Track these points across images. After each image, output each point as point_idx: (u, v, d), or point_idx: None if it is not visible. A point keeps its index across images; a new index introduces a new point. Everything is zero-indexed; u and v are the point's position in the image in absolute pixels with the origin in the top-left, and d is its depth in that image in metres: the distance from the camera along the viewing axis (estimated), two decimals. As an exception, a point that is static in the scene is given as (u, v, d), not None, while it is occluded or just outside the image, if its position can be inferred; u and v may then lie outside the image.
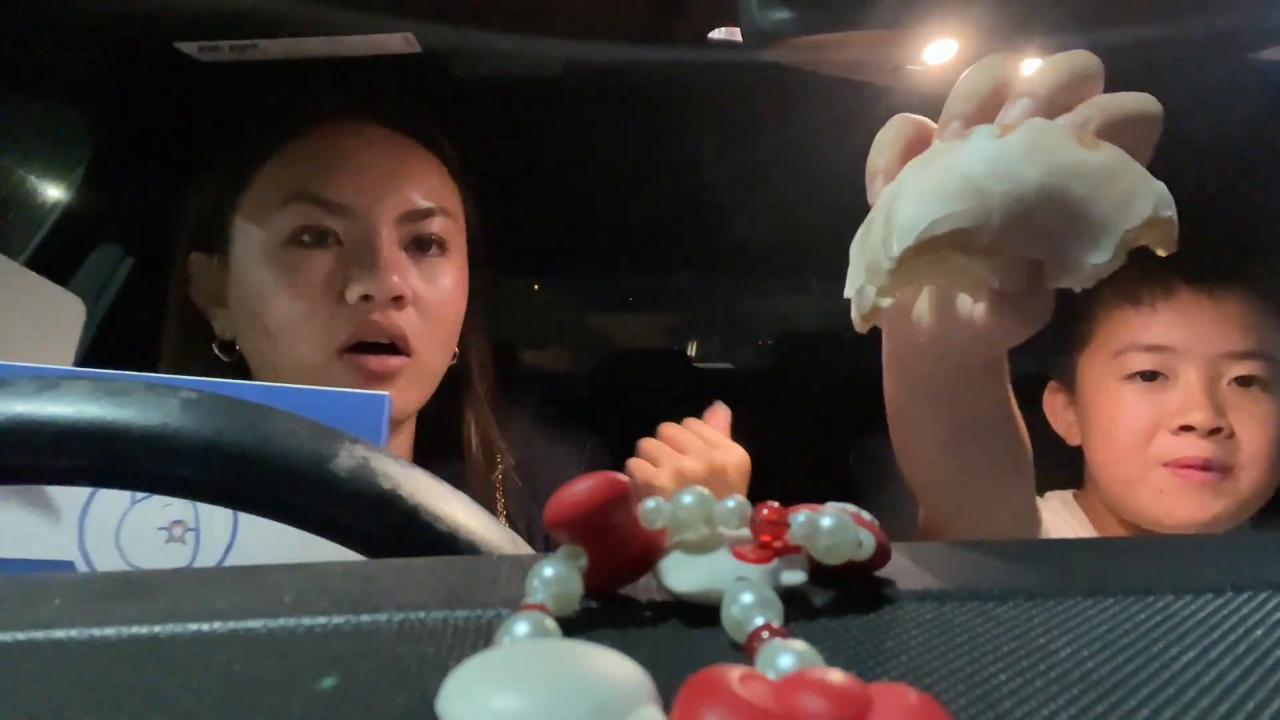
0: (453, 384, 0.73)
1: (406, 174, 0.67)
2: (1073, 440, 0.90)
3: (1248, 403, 0.76)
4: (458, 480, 0.78)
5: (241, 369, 0.67)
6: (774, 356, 2.56)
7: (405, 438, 0.74)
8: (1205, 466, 0.75)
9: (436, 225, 0.68)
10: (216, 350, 0.67)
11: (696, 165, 1.23)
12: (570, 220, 1.62)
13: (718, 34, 0.80)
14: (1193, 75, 0.88)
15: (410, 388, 0.66)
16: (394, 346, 0.64)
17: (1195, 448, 0.75)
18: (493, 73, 0.88)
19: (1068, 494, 0.93)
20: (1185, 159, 1.11)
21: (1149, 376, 0.79)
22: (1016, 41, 0.77)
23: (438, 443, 0.75)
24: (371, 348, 0.64)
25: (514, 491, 0.79)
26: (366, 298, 0.62)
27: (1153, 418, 0.78)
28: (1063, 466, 0.95)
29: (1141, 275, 0.82)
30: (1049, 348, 0.95)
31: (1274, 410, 0.77)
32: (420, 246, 0.67)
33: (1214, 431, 0.75)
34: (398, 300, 0.63)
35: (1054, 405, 0.92)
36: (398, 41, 0.79)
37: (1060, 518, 0.89)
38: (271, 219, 0.64)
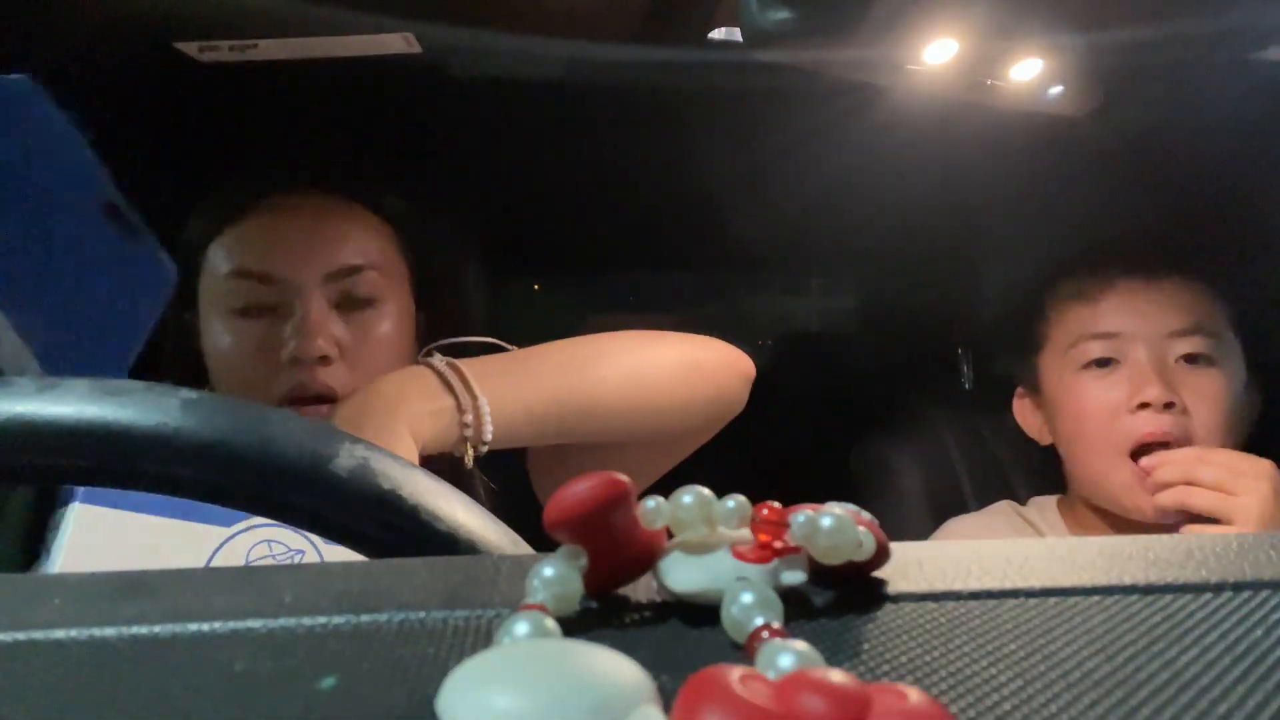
0: None
1: (334, 237, 0.73)
2: (1044, 440, 0.94)
3: (1196, 379, 0.81)
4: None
5: None
6: (774, 356, 2.56)
7: None
8: (1165, 442, 0.79)
9: (366, 281, 0.74)
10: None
11: (696, 165, 1.23)
12: (570, 220, 1.62)
13: (718, 34, 0.80)
14: (1193, 75, 0.88)
15: None
16: (324, 398, 0.71)
17: (1154, 423, 0.80)
18: (493, 73, 0.88)
19: (1051, 500, 0.95)
20: (1184, 158, 1.11)
21: (1103, 363, 0.84)
22: (1016, 41, 0.77)
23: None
24: (306, 399, 0.71)
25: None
26: (295, 360, 0.70)
27: (1111, 401, 0.83)
28: (1041, 474, 0.96)
29: (1083, 272, 0.88)
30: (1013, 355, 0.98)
31: (1222, 385, 0.82)
32: (351, 303, 0.73)
33: (1168, 406, 0.80)
34: (324, 360, 0.70)
35: (1023, 410, 0.96)
36: (398, 41, 0.79)
37: (1030, 527, 0.91)
38: (223, 290, 0.72)
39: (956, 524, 0.96)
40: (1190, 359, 0.82)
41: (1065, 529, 0.92)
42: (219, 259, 0.73)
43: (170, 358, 0.78)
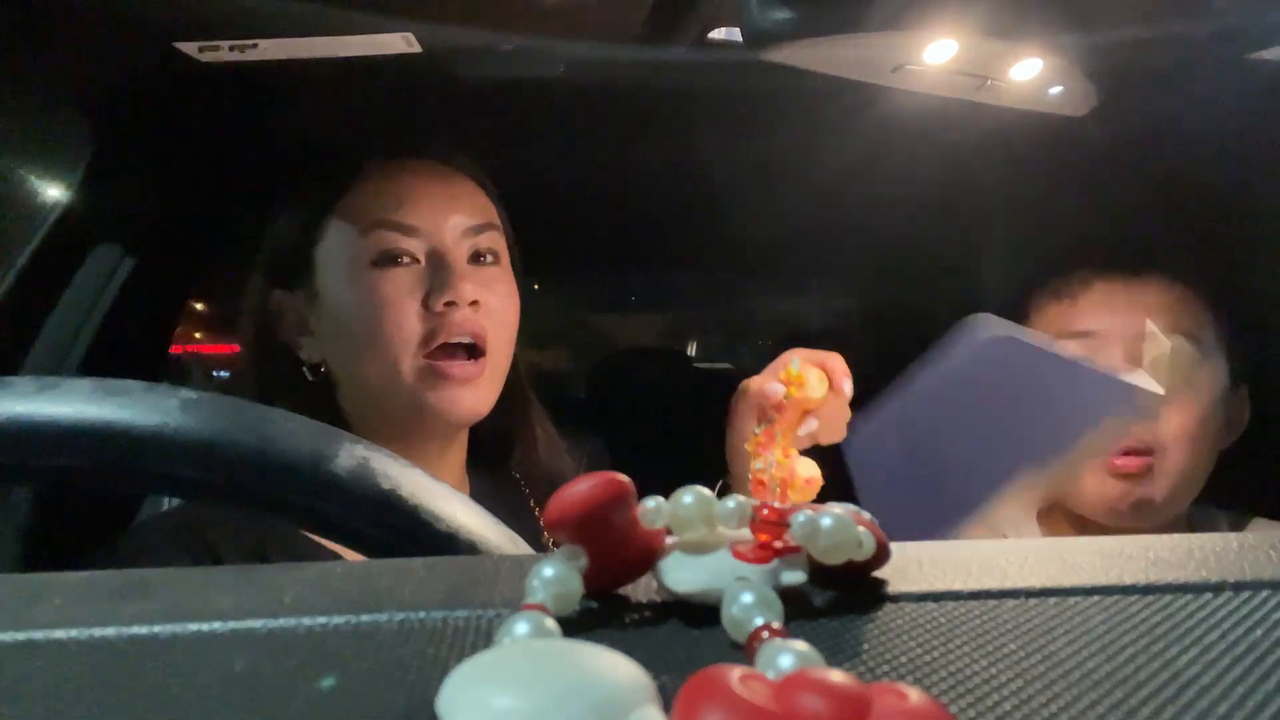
0: (506, 391, 0.80)
1: (460, 196, 0.77)
2: None
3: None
4: (514, 485, 0.84)
5: (326, 389, 0.76)
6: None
7: (460, 446, 0.81)
8: (1133, 451, 0.80)
9: (489, 239, 0.77)
10: (307, 373, 0.75)
11: (696, 165, 1.23)
12: (570, 220, 1.62)
13: (718, 34, 0.80)
14: (1192, 75, 0.88)
15: (486, 389, 0.75)
16: (474, 348, 0.73)
17: (1124, 440, 0.80)
18: (493, 73, 0.88)
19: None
20: (1184, 159, 1.11)
21: None
22: (1016, 41, 0.77)
23: (490, 449, 0.83)
24: (452, 353, 0.72)
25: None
26: (450, 303, 0.71)
27: None
28: None
29: (1063, 271, 0.89)
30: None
31: (1195, 389, 0.81)
32: (478, 259, 0.76)
33: None
34: (474, 304, 0.72)
35: None
36: (398, 41, 0.79)
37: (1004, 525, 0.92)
38: (355, 246, 0.73)
39: None
40: None
41: (1035, 528, 0.92)
42: (346, 219, 0.74)
43: (251, 339, 0.78)
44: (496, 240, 0.78)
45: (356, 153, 0.77)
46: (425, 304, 0.72)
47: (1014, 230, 1.27)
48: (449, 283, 0.72)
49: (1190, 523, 0.89)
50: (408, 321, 0.71)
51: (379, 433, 0.73)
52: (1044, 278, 0.92)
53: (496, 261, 0.78)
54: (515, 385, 0.81)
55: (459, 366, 0.72)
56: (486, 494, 0.81)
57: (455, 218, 0.75)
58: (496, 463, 0.84)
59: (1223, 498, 0.90)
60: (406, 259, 0.73)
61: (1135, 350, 0.83)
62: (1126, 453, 0.81)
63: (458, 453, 0.81)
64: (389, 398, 0.72)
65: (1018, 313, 0.95)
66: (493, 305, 0.75)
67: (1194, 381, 0.82)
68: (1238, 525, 0.88)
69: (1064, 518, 0.91)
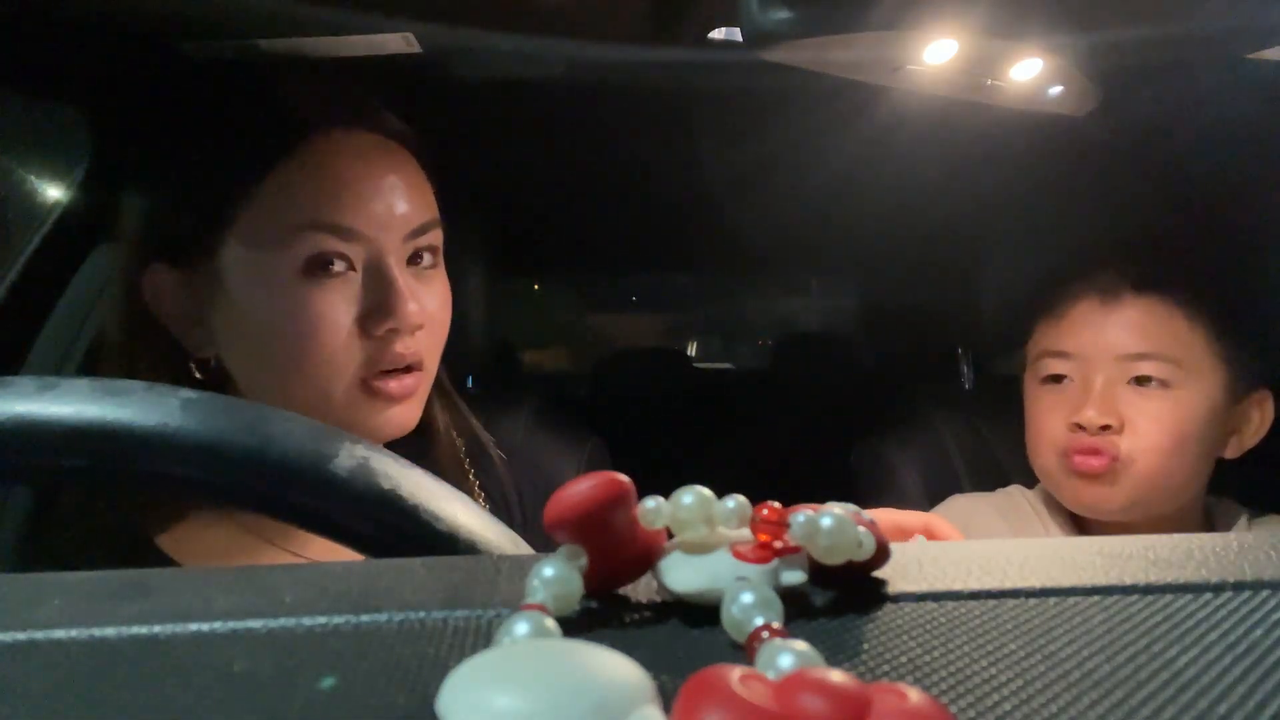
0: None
1: (405, 188, 0.65)
2: None
3: (1142, 401, 0.83)
4: (429, 464, 0.77)
5: (217, 386, 0.64)
6: (774, 356, 2.57)
7: None
8: (1091, 451, 0.82)
9: (431, 237, 0.67)
10: (194, 369, 0.64)
11: (696, 166, 1.23)
12: (570, 220, 1.62)
13: (718, 34, 0.80)
14: (1192, 75, 0.88)
15: (420, 399, 0.67)
16: (413, 368, 0.64)
17: (1086, 443, 0.82)
18: (493, 73, 0.88)
19: (1031, 491, 0.96)
20: (1184, 159, 1.11)
21: (1057, 379, 0.87)
22: (1016, 41, 0.77)
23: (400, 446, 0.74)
24: (389, 373, 0.63)
25: (490, 472, 0.78)
26: (392, 330, 0.62)
27: (1056, 416, 0.86)
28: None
29: (1056, 290, 0.91)
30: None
31: (1172, 407, 0.82)
32: (416, 259, 0.66)
33: (1104, 429, 0.82)
34: (417, 328, 0.63)
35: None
36: (398, 41, 0.79)
37: (1034, 512, 0.94)
38: (282, 245, 0.60)
39: (963, 500, 0.98)
40: (1141, 380, 0.83)
41: (1066, 517, 0.93)
42: (272, 203, 0.60)
43: (124, 334, 0.65)
44: (437, 238, 0.68)
45: (292, 120, 0.63)
46: (362, 325, 0.61)
47: (1014, 231, 1.27)
48: (392, 306, 0.61)
49: (1208, 515, 0.90)
50: (342, 346, 0.61)
51: None
52: (1042, 291, 0.94)
53: (434, 261, 0.68)
54: (437, 389, 0.73)
55: (398, 385, 0.63)
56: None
57: (400, 217, 0.63)
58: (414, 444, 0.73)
59: (1247, 493, 0.90)
60: (341, 266, 0.61)
61: (1110, 372, 0.84)
62: (1088, 452, 0.82)
63: None
64: (309, 414, 0.63)
65: (1020, 326, 0.97)
66: (432, 316, 0.66)
67: (1171, 400, 0.82)
68: (1257, 525, 0.89)
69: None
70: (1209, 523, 0.89)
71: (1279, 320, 0.99)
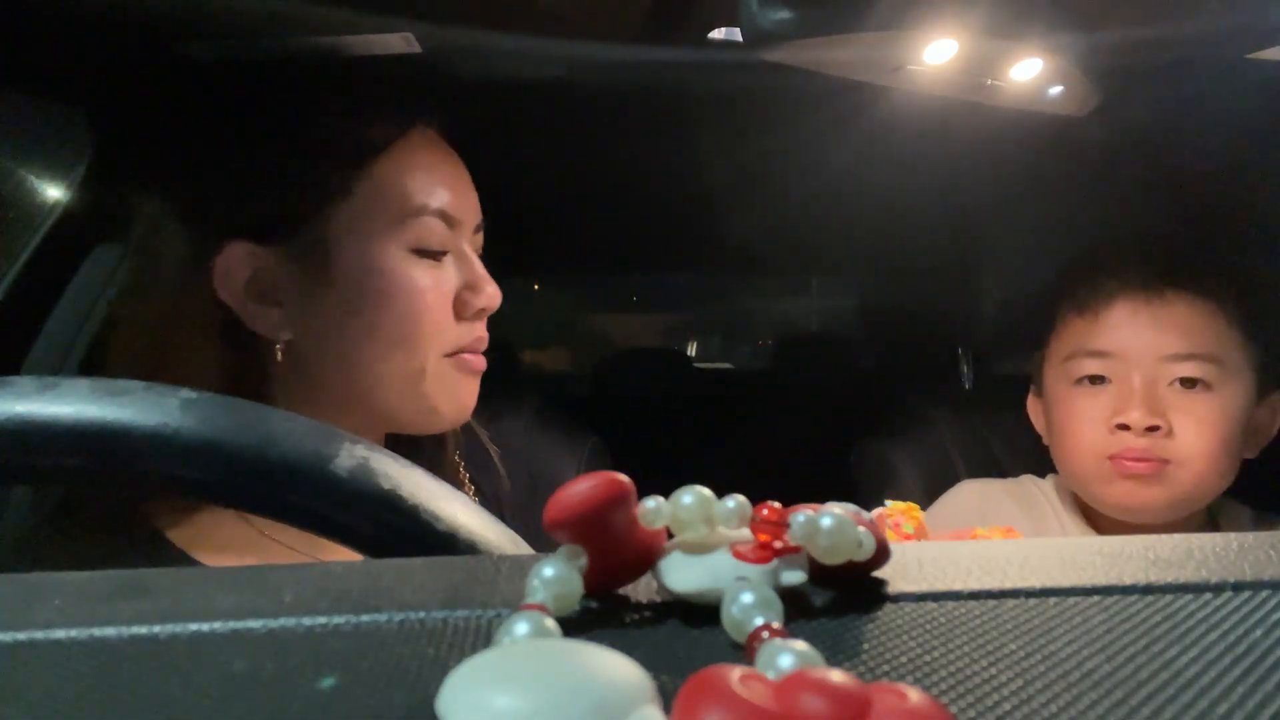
0: None
1: (471, 183, 0.70)
2: (1047, 440, 0.95)
3: (1188, 403, 0.81)
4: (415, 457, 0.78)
5: (293, 369, 0.64)
6: (774, 356, 2.57)
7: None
8: (1141, 458, 0.81)
9: (481, 235, 0.72)
10: (278, 352, 0.63)
11: (696, 165, 1.23)
12: (570, 220, 1.62)
13: (718, 34, 0.80)
14: (1192, 75, 0.88)
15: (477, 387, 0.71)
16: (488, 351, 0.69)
17: (1132, 444, 0.81)
18: (493, 73, 0.88)
19: (1063, 479, 0.95)
20: (1184, 159, 1.11)
21: (1095, 380, 0.85)
22: (1016, 41, 0.77)
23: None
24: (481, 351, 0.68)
25: (479, 464, 0.79)
26: (482, 310, 0.67)
27: (1097, 417, 0.84)
28: (1041, 473, 0.98)
29: (1088, 286, 0.88)
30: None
31: (1215, 408, 0.81)
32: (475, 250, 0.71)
33: (1151, 429, 0.80)
34: (494, 310, 0.68)
35: (1033, 408, 1.01)
36: (398, 41, 0.79)
37: (1046, 502, 0.94)
38: (392, 229, 0.63)
39: (974, 484, 0.97)
40: (1185, 382, 0.81)
41: (1077, 510, 0.93)
42: (385, 187, 0.63)
43: (195, 304, 0.62)
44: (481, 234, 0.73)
45: (402, 108, 0.67)
46: (456, 306, 0.65)
47: (1014, 231, 1.27)
48: (484, 288, 0.66)
49: (1211, 515, 0.89)
50: (447, 323, 0.65)
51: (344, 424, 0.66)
52: (1069, 288, 0.91)
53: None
54: None
55: (477, 360, 0.67)
56: None
57: (475, 209, 0.69)
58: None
59: (1253, 495, 0.90)
60: (442, 254, 0.65)
61: (1154, 373, 0.82)
62: (1138, 458, 0.80)
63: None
64: (394, 390, 0.64)
65: (1040, 319, 0.95)
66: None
67: (1214, 401, 0.81)
68: (1261, 522, 0.89)
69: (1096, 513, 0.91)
70: (1213, 523, 0.89)
71: (1268, 317, 0.99)
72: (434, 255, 0.65)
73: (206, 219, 0.63)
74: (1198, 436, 0.80)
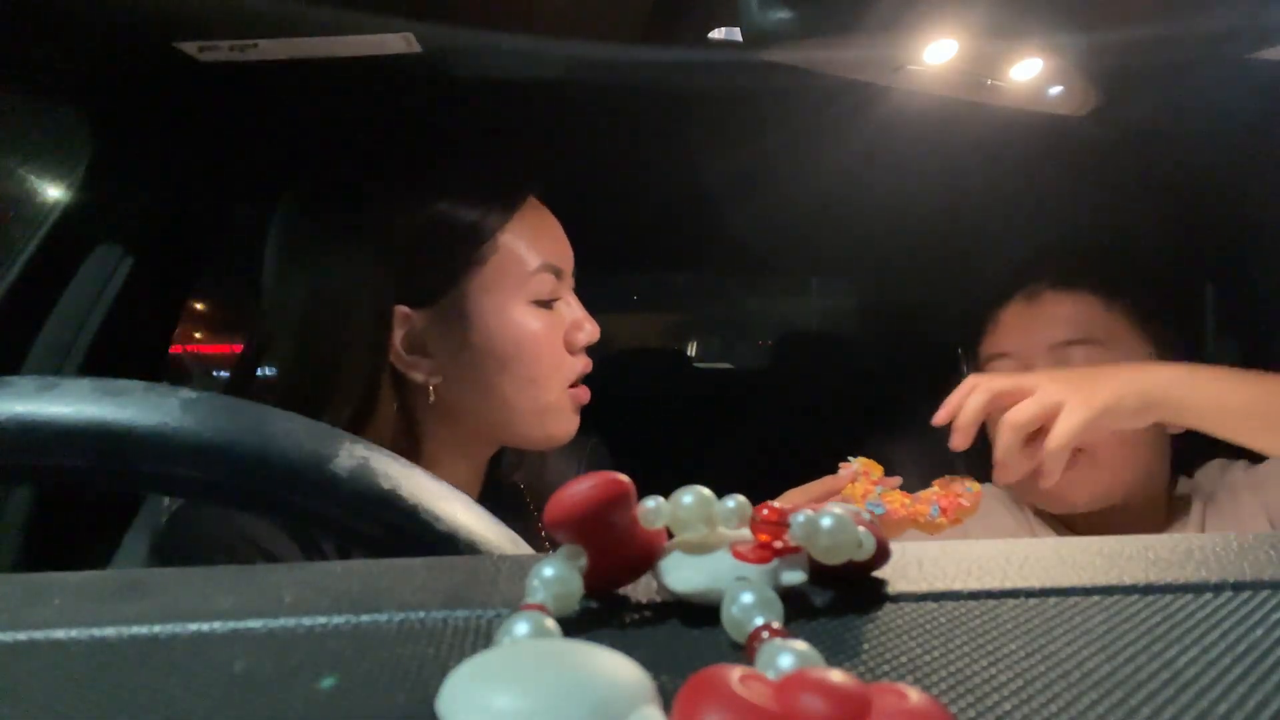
0: None
1: (565, 236, 0.80)
2: None
3: None
4: (515, 490, 0.84)
5: (443, 410, 0.75)
6: (774, 356, 2.57)
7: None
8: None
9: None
10: (431, 393, 0.74)
11: (696, 165, 1.23)
12: (570, 220, 1.61)
13: (718, 34, 0.80)
14: (1192, 75, 0.88)
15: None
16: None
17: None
18: (493, 73, 0.88)
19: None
20: (1183, 158, 1.11)
21: None
22: (1016, 41, 0.77)
23: (498, 456, 0.84)
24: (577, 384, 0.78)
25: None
26: (587, 345, 0.77)
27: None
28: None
29: (990, 300, 0.96)
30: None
31: None
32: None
33: None
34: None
35: None
36: (398, 41, 0.79)
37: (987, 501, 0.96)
38: (520, 283, 0.74)
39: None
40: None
41: (1031, 514, 0.97)
42: (512, 250, 0.74)
43: (354, 356, 0.73)
44: None
45: (513, 185, 0.77)
46: (567, 343, 0.76)
47: (1015, 231, 1.27)
48: (587, 326, 0.77)
49: (1169, 499, 0.92)
50: (564, 359, 0.75)
51: (451, 450, 0.76)
52: (980, 299, 0.98)
53: None
54: None
55: (584, 391, 0.78)
56: (489, 498, 0.81)
57: (572, 260, 0.79)
58: (502, 468, 0.85)
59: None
60: (554, 302, 0.76)
61: (1047, 363, 0.88)
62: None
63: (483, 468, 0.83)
64: (513, 423, 0.75)
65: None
66: None
67: None
68: (1211, 506, 0.90)
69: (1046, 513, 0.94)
70: (1170, 516, 0.91)
71: (1265, 314, 1.01)
72: (548, 304, 0.75)
73: (381, 289, 0.74)
74: None
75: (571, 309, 0.77)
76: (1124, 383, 0.74)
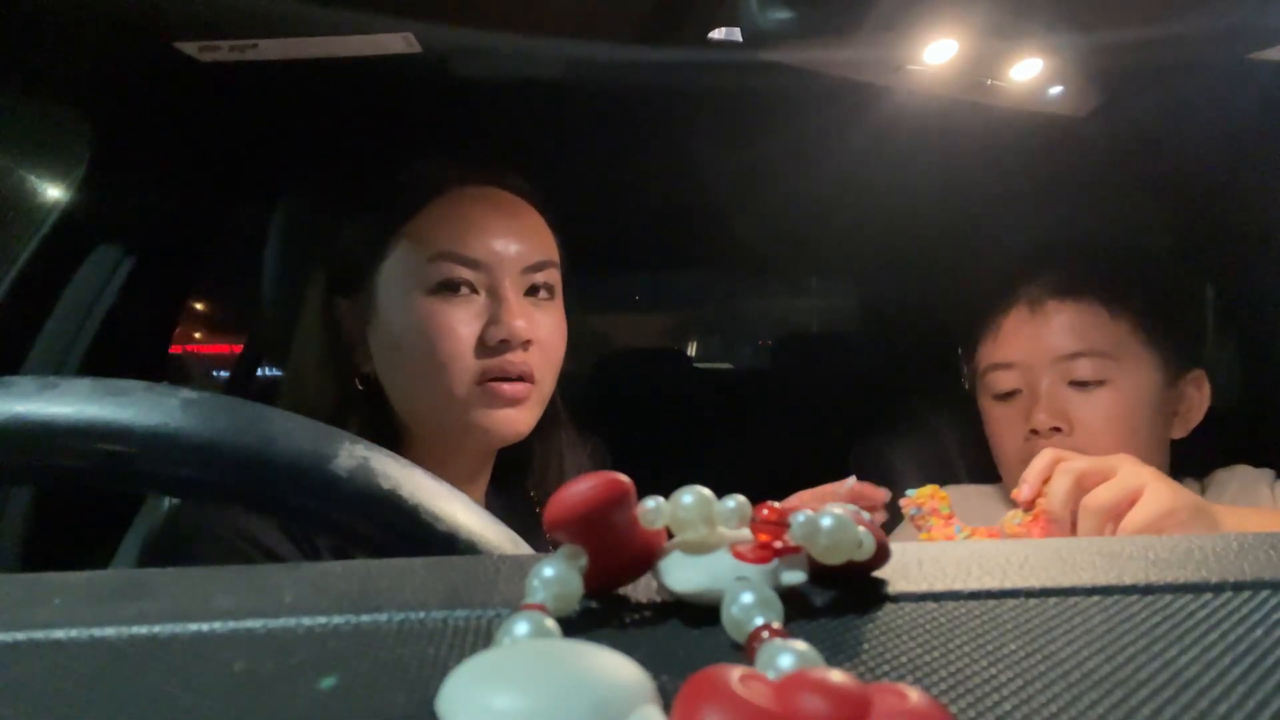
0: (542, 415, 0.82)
1: (522, 231, 0.78)
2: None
3: (1088, 400, 0.86)
4: (527, 501, 0.84)
5: (380, 397, 0.77)
6: (774, 356, 2.57)
7: (489, 464, 0.83)
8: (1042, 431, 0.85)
9: (547, 275, 0.79)
10: (358, 383, 0.77)
11: (696, 165, 1.23)
12: (570, 220, 1.61)
13: (718, 34, 0.80)
14: (1192, 75, 0.88)
15: (532, 409, 0.78)
16: (520, 378, 0.76)
17: (1042, 446, 0.83)
18: (493, 73, 0.88)
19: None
20: (1183, 158, 1.11)
21: (1006, 393, 0.91)
22: (1016, 41, 0.77)
23: (509, 466, 0.85)
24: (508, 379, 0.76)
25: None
26: (503, 341, 0.74)
27: (1014, 427, 0.89)
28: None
29: (991, 307, 0.95)
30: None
31: (1115, 401, 0.86)
32: (534, 292, 0.78)
33: (1055, 430, 0.85)
34: (525, 343, 0.75)
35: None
36: (398, 41, 0.79)
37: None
38: (418, 271, 0.74)
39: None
40: (1079, 383, 0.86)
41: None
42: (414, 241, 0.75)
43: (311, 342, 0.78)
44: (553, 276, 0.80)
45: (431, 176, 0.78)
46: (481, 337, 0.74)
47: (1015, 231, 1.27)
48: (505, 321, 0.74)
49: None
50: (463, 353, 0.73)
51: (427, 444, 0.76)
52: (979, 308, 0.97)
53: (551, 297, 0.80)
54: (551, 410, 0.84)
55: (510, 387, 0.75)
56: (501, 509, 0.81)
57: (518, 253, 0.76)
58: (513, 479, 0.85)
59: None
60: (466, 289, 0.74)
61: (1053, 375, 0.87)
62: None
63: (487, 471, 0.83)
64: (438, 414, 0.75)
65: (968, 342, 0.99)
66: (543, 341, 0.77)
67: (1113, 394, 0.85)
68: (1204, 487, 0.91)
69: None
70: None
71: (1264, 314, 1.01)
72: (454, 291, 0.74)
73: (322, 279, 0.79)
74: (1102, 431, 0.84)
75: (496, 304, 0.75)
76: (1196, 503, 0.72)
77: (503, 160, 0.82)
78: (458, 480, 0.78)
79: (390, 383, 0.77)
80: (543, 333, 0.77)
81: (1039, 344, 0.88)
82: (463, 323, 0.74)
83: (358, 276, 0.77)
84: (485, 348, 0.74)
